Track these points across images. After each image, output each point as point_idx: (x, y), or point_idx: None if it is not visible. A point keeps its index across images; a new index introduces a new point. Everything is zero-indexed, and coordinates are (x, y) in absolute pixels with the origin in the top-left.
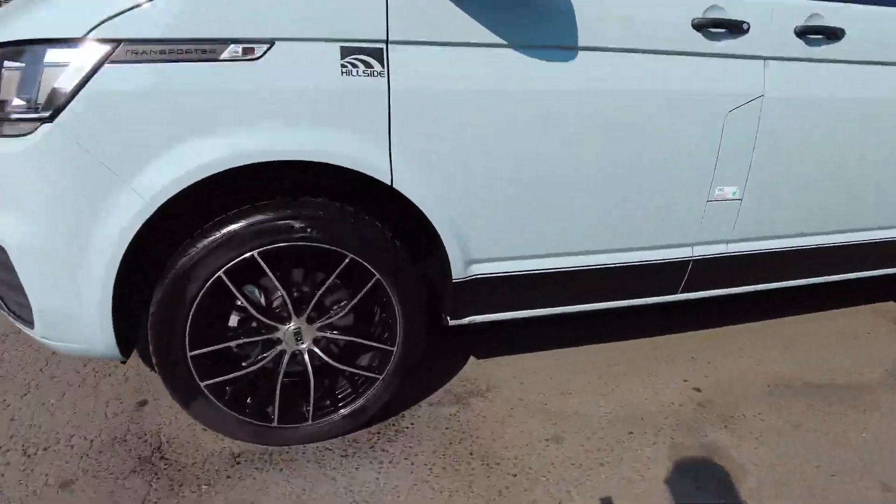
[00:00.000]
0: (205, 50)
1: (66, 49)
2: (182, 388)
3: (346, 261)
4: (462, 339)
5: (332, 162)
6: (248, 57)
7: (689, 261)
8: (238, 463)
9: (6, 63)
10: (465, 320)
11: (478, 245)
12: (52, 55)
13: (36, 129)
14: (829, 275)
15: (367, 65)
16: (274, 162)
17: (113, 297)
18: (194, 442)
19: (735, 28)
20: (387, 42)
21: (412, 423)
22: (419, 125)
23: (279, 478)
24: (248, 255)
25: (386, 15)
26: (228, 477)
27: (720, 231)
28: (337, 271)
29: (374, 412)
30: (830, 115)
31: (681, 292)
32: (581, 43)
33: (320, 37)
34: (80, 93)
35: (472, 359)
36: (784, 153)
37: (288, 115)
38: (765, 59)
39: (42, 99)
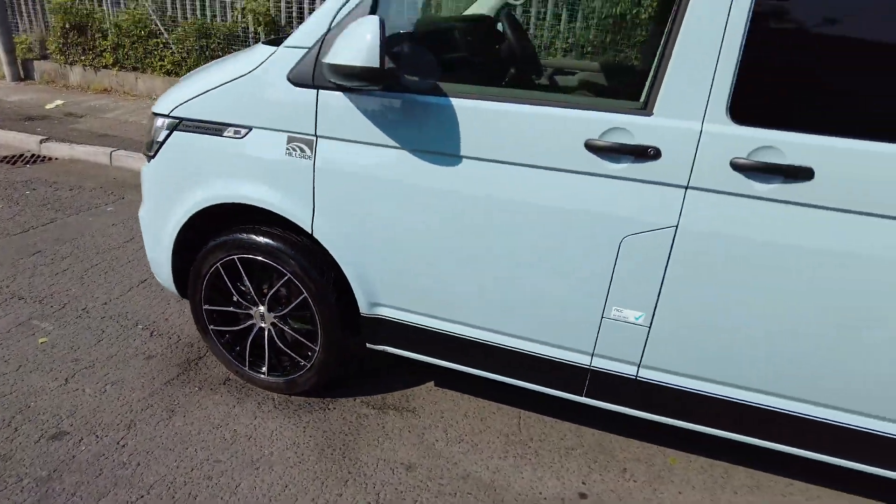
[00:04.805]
0: (217, 129)
1: (162, 119)
2: (200, 325)
3: (285, 278)
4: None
5: (275, 211)
6: (237, 136)
7: (588, 370)
8: (223, 384)
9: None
10: (380, 348)
11: (376, 293)
12: (158, 121)
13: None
14: (770, 441)
15: (302, 150)
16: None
17: (174, 259)
18: (218, 365)
19: (639, 154)
20: (315, 136)
21: (333, 407)
22: (331, 194)
23: (222, 400)
24: (229, 258)
25: (315, 120)
26: (211, 390)
27: (624, 351)
28: (278, 284)
29: (306, 388)
30: (778, 261)
31: (586, 396)
32: (461, 152)
33: (276, 128)
34: (166, 142)
35: (433, 382)
36: (710, 290)
37: (253, 175)
38: (686, 188)
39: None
